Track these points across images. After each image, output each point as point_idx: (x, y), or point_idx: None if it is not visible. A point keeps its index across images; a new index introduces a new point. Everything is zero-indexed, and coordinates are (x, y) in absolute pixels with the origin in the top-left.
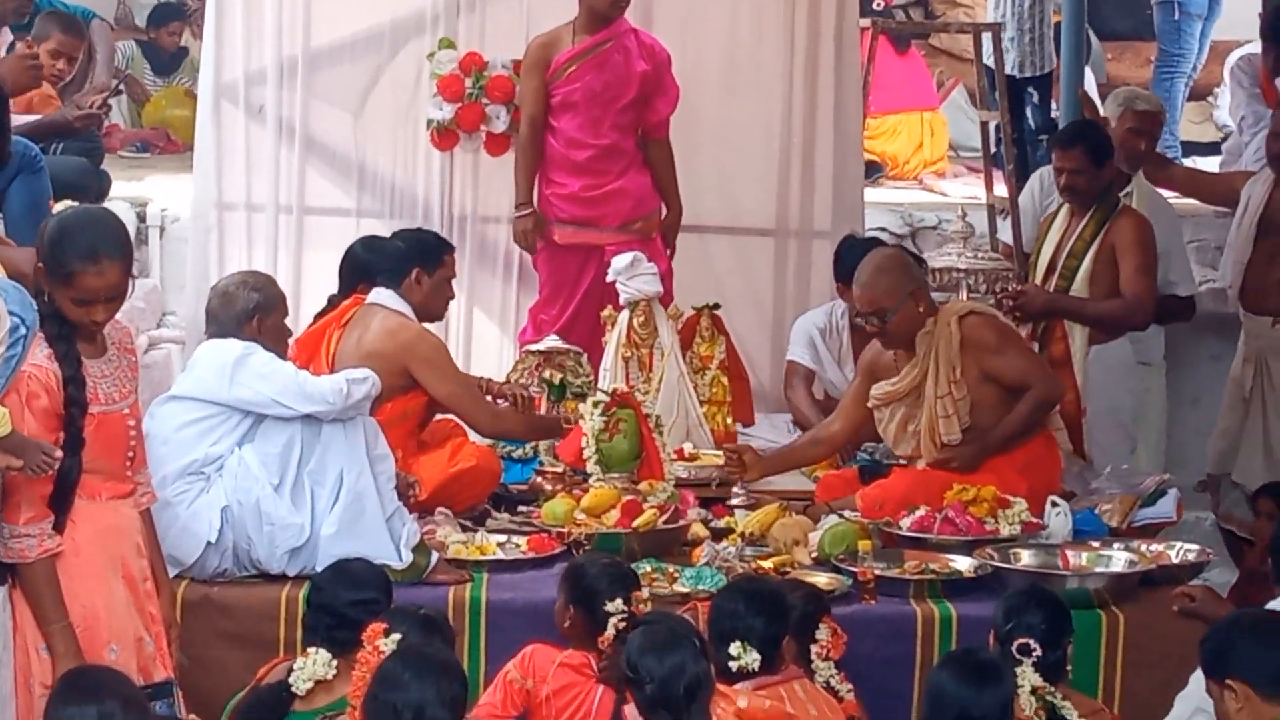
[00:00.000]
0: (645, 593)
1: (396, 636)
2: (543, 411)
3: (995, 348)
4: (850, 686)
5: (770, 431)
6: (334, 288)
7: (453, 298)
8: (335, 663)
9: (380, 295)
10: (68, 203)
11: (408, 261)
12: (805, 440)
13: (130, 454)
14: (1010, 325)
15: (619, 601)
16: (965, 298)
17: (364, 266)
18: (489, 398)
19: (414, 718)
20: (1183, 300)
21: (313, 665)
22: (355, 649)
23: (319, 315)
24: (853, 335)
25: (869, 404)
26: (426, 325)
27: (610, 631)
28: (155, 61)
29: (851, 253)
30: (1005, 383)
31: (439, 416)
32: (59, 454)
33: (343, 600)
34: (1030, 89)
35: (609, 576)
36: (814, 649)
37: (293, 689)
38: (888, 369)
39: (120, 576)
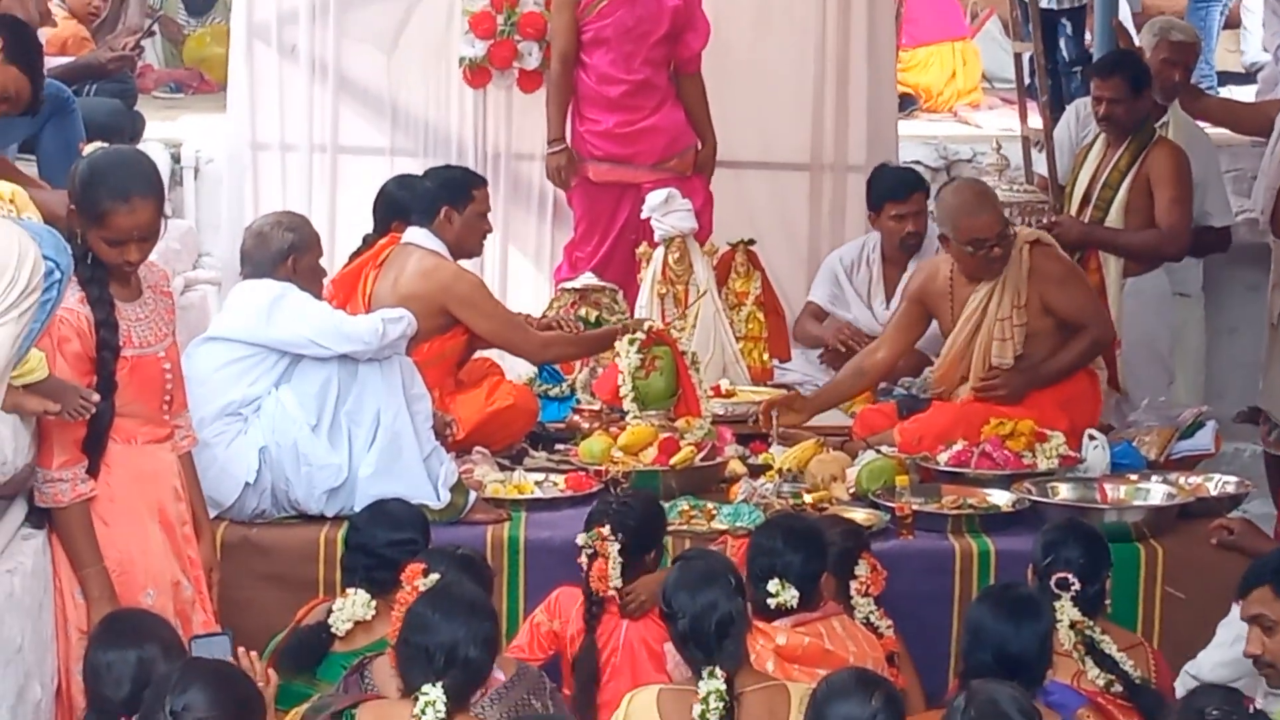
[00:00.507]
0: (606, 529)
1: (435, 576)
2: None
3: (1060, 280)
4: (890, 622)
5: (806, 366)
6: (368, 226)
7: (489, 232)
8: (374, 603)
9: (415, 235)
10: (97, 144)
11: (437, 200)
12: (849, 372)
13: (167, 397)
14: (1074, 262)
15: (584, 535)
16: None
17: (397, 205)
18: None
19: (447, 658)
20: (1218, 231)
21: (352, 606)
22: (394, 589)
23: (354, 255)
24: (884, 267)
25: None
26: (463, 262)
27: (582, 563)
28: (188, 2)
29: (882, 181)
30: (1063, 316)
31: (476, 355)
32: (96, 398)
33: (381, 541)
34: (1064, 20)
35: (597, 512)
36: (853, 585)
37: (332, 630)
38: (939, 296)
39: (157, 521)
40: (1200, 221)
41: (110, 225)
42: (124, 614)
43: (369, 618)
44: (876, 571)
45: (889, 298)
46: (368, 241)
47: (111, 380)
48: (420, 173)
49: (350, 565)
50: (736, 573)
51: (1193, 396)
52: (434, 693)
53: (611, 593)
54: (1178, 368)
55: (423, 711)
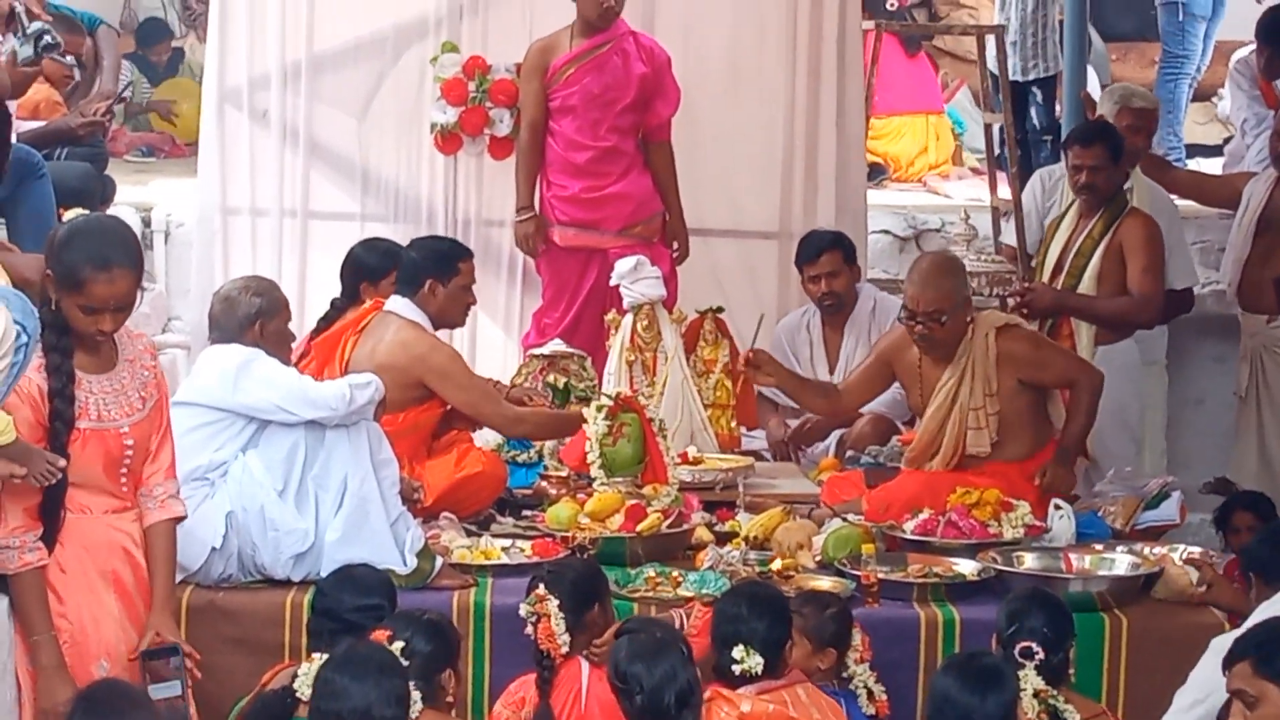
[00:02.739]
0: (542, 589)
1: (400, 644)
2: None
3: (1034, 360)
4: (883, 687)
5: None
6: (338, 291)
7: (473, 304)
8: None
9: (396, 304)
10: (78, 211)
11: (421, 271)
12: (817, 386)
13: (123, 472)
14: (1038, 332)
15: (524, 605)
16: None
17: (364, 268)
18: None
19: None
20: (1181, 294)
21: (317, 671)
22: None
23: (322, 320)
24: (824, 331)
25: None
26: (443, 332)
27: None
28: (150, 74)
29: (799, 246)
30: (1050, 386)
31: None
32: (63, 463)
33: (347, 606)
34: (1034, 89)
35: (532, 580)
36: (851, 655)
37: (297, 694)
38: (909, 371)
39: (112, 591)
40: (1172, 283)
41: (88, 293)
42: (104, 688)
43: None
44: (864, 635)
45: (832, 363)
46: (335, 306)
47: (63, 451)
48: (389, 237)
49: (316, 630)
50: (685, 639)
51: (1156, 466)
52: None
53: (563, 652)
54: (1144, 437)
55: None
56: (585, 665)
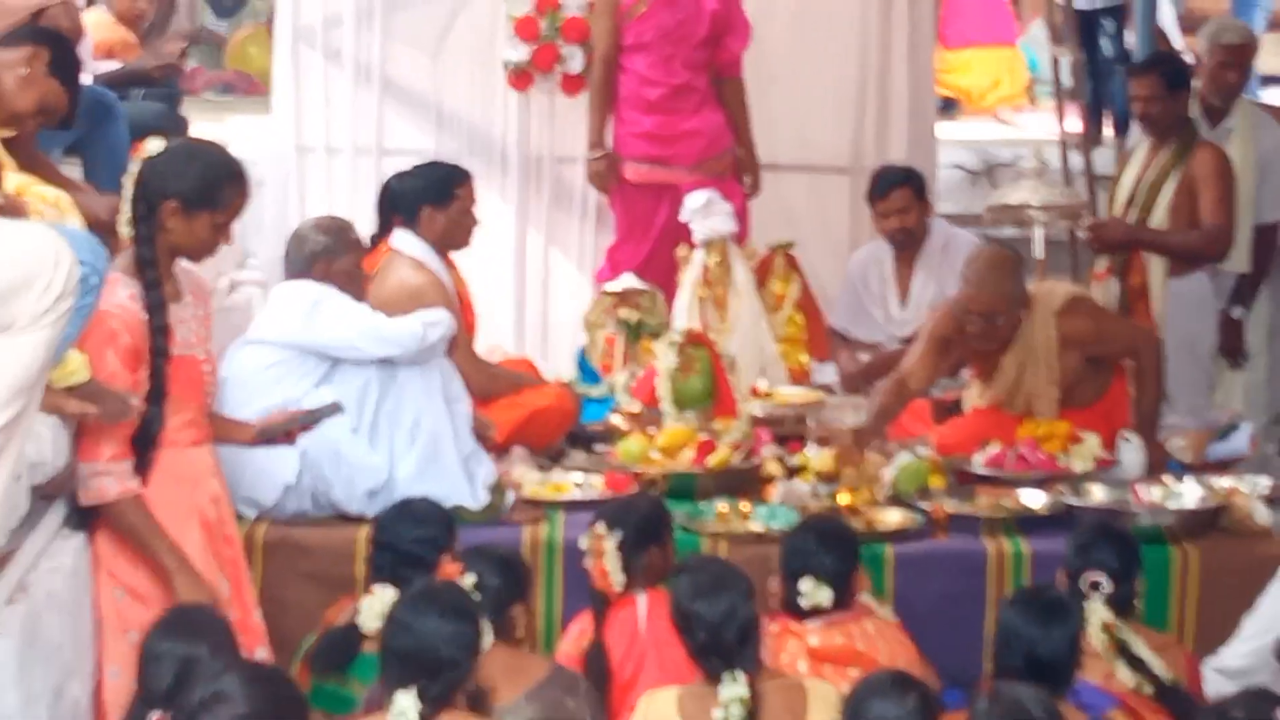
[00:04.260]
0: (601, 526)
1: (472, 579)
2: (619, 352)
3: (1096, 337)
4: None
5: None
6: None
7: (476, 224)
8: None
9: (399, 240)
10: (154, 139)
11: (419, 200)
12: (892, 400)
13: (209, 400)
14: (1096, 303)
15: (583, 538)
16: (1040, 234)
17: (395, 199)
18: None
19: (420, 664)
20: (1270, 229)
21: (381, 603)
22: None
23: None
24: (896, 265)
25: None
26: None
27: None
28: (217, 5)
29: (871, 182)
30: (1116, 358)
31: (512, 358)
32: (136, 400)
33: (405, 538)
34: (1104, 19)
35: (595, 515)
36: None
37: (361, 630)
38: (968, 346)
39: (198, 524)
40: (1262, 216)
41: (231, 207)
42: (187, 608)
43: None
44: None
45: (903, 295)
46: (373, 240)
47: (163, 386)
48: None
49: (377, 563)
50: (745, 574)
51: (1256, 400)
52: (404, 701)
53: (617, 591)
54: (1224, 370)
55: None
56: (642, 602)
